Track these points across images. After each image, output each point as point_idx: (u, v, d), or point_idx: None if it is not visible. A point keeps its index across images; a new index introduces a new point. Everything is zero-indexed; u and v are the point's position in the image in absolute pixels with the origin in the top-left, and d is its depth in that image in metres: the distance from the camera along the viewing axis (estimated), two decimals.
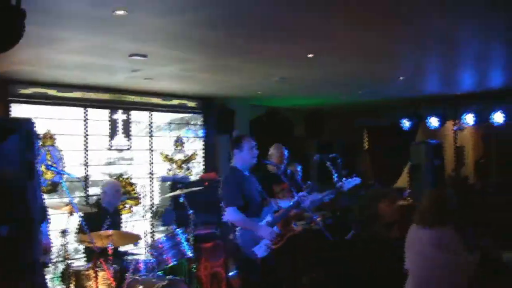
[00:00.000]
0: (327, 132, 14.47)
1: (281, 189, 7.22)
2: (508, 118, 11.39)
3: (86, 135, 9.33)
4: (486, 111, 11.64)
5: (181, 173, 10.85)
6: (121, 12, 5.02)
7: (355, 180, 7.04)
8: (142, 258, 7.18)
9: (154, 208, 9.91)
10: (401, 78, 9.35)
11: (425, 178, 10.94)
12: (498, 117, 11.44)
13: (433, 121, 12.18)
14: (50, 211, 6.41)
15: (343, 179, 6.93)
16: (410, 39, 6.73)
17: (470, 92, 11.48)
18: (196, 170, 11.25)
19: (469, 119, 11.90)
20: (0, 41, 3.73)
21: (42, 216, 6.00)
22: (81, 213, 6.61)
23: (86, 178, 9.22)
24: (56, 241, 6.63)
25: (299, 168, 8.35)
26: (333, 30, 6.13)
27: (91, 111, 9.40)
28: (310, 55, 7.15)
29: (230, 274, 8.77)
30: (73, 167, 8.93)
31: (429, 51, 7.43)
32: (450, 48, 7.31)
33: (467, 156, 13.58)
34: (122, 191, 8.29)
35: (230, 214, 6.04)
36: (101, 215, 7.27)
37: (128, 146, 10.00)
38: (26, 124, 4.25)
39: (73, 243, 7.62)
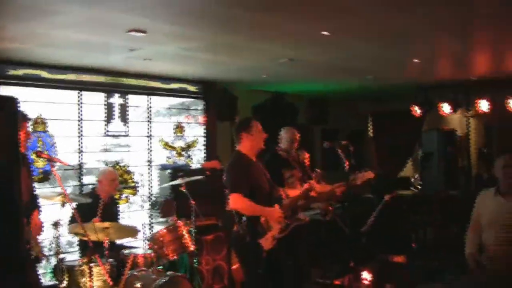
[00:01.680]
0: (332, 119, 14.18)
1: (291, 175, 6.89)
2: None
3: (80, 120, 8.84)
4: (500, 97, 11.21)
5: (181, 161, 10.37)
6: None
7: (368, 174, 6.67)
8: (140, 251, 6.71)
9: (153, 198, 9.43)
10: (416, 60, 8.84)
11: (437, 166, 10.56)
12: None
13: (445, 108, 11.65)
14: (42, 201, 5.98)
15: (356, 171, 6.56)
16: (424, 18, 6.26)
17: (483, 78, 10.99)
18: (197, 158, 10.80)
19: (482, 105, 11.41)
20: None
21: (32, 205, 5.63)
22: (75, 204, 6.18)
23: (80, 166, 8.74)
24: (48, 233, 6.17)
25: (306, 156, 7.95)
26: (350, 5, 5.63)
27: (86, 94, 8.91)
28: (325, 33, 6.62)
29: (233, 267, 8.46)
30: (66, 154, 8.47)
31: (443, 31, 7.00)
32: (464, 28, 6.87)
33: (470, 145, 13.19)
34: (118, 180, 7.83)
35: (234, 201, 5.65)
36: (97, 205, 6.85)
37: (125, 132, 9.51)
38: (9, 102, 3.72)
39: (66, 236, 7.15)
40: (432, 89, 11.96)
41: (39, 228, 5.69)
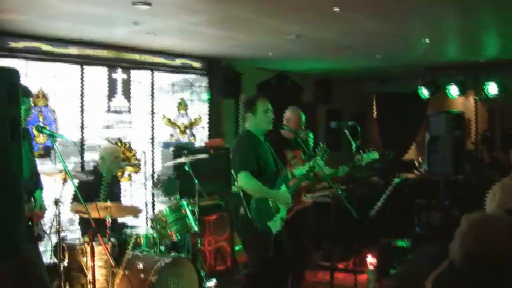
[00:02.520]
0: (336, 99, 14.02)
1: (293, 156, 6.77)
2: None
3: (82, 95, 8.59)
4: (507, 81, 11.03)
5: (184, 139, 10.18)
6: None
7: (373, 155, 6.64)
8: (142, 231, 6.55)
9: (156, 177, 9.25)
10: (426, 40, 8.64)
11: (444, 150, 10.37)
12: None
13: (453, 91, 11.44)
14: (42, 178, 5.80)
15: (361, 152, 6.46)
16: None
17: (493, 60, 10.79)
18: (201, 136, 10.59)
19: (491, 89, 11.20)
20: None
21: (34, 183, 5.46)
22: (76, 181, 6.02)
23: (82, 142, 8.54)
24: (48, 211, 6.00)
25: (311, 136, 7.79)
26: None
27: (88, 69, 8.65)
28: (336, 9, 6.41)
29: (236, 248, 8.33)
30: (68, 130, 8.25)
31: (453, 9, 6.85)
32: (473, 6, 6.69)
33: (473, 129, 13.04)
34: (121, 157, 7.71)
35: (243, 181, 5.52)
36: (99, 183, 6.78)
37: (128, 108, 9.27)
38: (9, 74, 3.53)
39: (67, 214, 6.98)
40: (440, 70, 11.77)
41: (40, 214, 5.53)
